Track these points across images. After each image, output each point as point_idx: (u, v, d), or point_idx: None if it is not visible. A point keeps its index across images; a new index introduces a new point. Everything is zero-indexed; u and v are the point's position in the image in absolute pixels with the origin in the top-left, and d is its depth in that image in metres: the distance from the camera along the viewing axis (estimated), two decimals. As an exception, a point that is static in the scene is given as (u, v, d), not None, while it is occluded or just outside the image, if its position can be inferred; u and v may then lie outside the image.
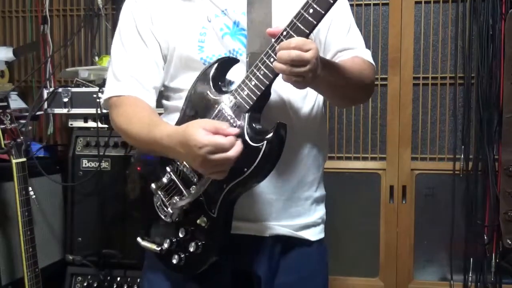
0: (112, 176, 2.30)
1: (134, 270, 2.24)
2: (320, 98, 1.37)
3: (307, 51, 1.05)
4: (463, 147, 2.53)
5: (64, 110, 2.37)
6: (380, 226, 2.64)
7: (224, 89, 1.22)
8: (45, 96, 2.39)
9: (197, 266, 1.25)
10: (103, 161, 2.30)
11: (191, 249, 1.21)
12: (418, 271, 2.65)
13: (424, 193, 2.62)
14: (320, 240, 1.38)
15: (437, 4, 2.57)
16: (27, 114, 2.36)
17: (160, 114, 1.33)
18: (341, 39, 1.33)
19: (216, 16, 1.28)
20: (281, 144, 1.12)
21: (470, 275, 2.54)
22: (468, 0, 2.50)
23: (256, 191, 1.25)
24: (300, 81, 1.09)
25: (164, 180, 1.25)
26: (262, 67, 1.12)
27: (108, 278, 2.30)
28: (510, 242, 2.28)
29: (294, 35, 1.07)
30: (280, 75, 1.10)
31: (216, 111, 1.17)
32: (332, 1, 1.05)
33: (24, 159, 1.94)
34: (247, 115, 1.13)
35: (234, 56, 1.26)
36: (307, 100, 1.33)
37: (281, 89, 1.25)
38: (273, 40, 1.10)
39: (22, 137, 1.95)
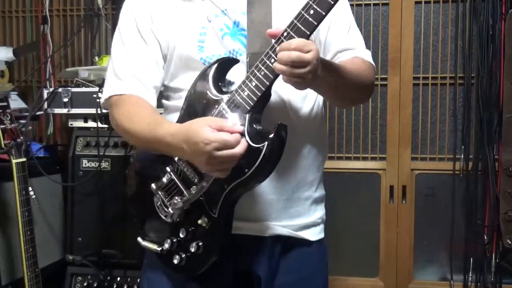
0: (112, 176, 2.30)
1: (134, 270, 2.23)
2: (320, 98, 1.37)
3: (307, 52, 1.05)
4: (463, 147, 2.53)
5: (64, 110, 2.37)
6: (380, 226, 2.64)
7: (224, 89, 1.22)
8: (45, 96, 2.39)
9: (198, 267, 1.25)
10: (103, 161, 2.30)
11: (192, 250, 1.21)
12: (418, 271, 2.64)
13: (424, 193, 2.61)
14: (320, 240, 1.38)
15: (437, 4, 2.57)
16: (27, 114, 2.36)
17: (160, 113, 1.32)
18: (341, 40, 1.33)
19: (216, 16, 1.28)
20: (281, 145, 1.12)
21: (470, 275, 2.54)
22: (468, 0, 2.50)
23: (257, 191, 1.25)
24: (300, 82, 1.09)
25: (164, 180, 1.25)
26: (263, 68, 1.11)
27: (108, 278, 2.30)
28: (510, 242, 2.28)
29: (295, 36, 1.07)
30: (281, 76, 1.10)
31: (216, 111, 1.17)
32: (332, 2, 1.05)
33: (24, 159, 1.94)
34: (247, 115, 1.13)
35: (234, 57, 1.26)
36: (307, 100, 1.33)
37: (281, 89, 1.24)
38: (273, 40, 1.10)
39: (22, 137, 1.95)
